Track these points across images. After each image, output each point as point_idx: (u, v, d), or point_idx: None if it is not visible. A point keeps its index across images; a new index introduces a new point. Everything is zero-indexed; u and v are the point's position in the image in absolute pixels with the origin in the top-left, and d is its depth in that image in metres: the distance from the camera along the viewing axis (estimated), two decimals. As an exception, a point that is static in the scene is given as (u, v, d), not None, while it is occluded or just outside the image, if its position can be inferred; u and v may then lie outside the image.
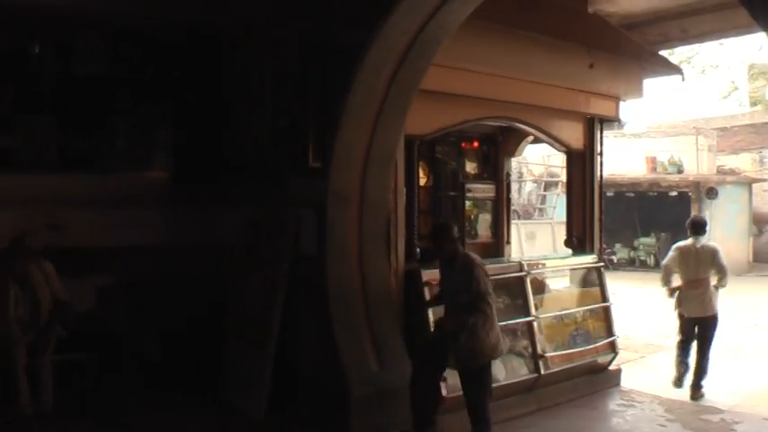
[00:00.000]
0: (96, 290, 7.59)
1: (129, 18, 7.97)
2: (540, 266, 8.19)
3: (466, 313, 5.74)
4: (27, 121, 7.73)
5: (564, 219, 9.52)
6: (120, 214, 7.78)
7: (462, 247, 6.41)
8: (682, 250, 8.51)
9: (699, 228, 8.54)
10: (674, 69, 9.91)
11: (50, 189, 7.59)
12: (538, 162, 23.72)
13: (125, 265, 7.57)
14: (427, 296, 6.74)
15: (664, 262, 8.85)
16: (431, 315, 6.52)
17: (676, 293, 8.50)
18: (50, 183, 7.61)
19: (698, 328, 8.42)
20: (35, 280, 6.72)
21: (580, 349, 8.09)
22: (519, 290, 7.84)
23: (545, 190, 24.01)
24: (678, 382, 8.59)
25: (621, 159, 21.96)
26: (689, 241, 8.48)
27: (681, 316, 8.55)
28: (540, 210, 23.77)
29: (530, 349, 7.64)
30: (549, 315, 8.01)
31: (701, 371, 8.34)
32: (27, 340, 6.58)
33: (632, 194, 24.17)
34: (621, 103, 9.13)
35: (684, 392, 8.34)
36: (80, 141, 7.89)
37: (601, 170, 9.01)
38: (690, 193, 23.26)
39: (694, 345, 8.48)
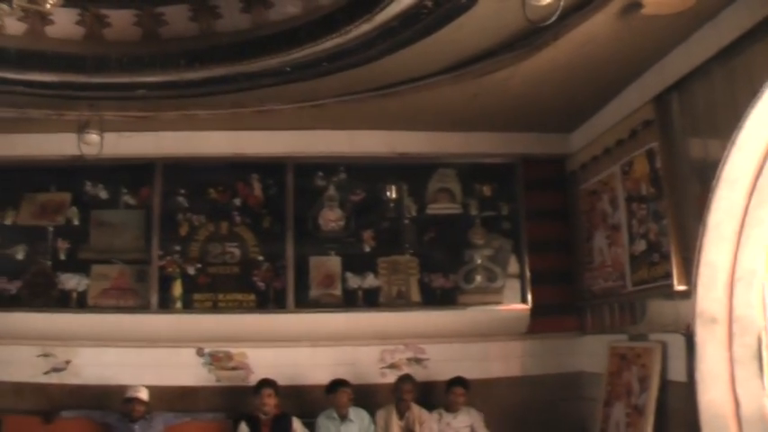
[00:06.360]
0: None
1: (481, 156, 8.56)
2: None
3: None
4: (387, 261, 8.33)
5: None
6: (480, 347, 8.14)
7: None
8: None
9: None
10: None
11: (412, 324, 8.12)
12: None
13: (488, 396, 7.82)
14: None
15: None
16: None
17: None
18: (412, 318, 8.14)
19: None
20: (414, 416, 7.26)
21: None
22: None
23: None
24: None
25: None
26: None
27: None
28: None
29: None
30: None
31: None
32: None
33: None
34: None
35: None
36: (438, 277, 8.34)
37: None
38: None
39: None
